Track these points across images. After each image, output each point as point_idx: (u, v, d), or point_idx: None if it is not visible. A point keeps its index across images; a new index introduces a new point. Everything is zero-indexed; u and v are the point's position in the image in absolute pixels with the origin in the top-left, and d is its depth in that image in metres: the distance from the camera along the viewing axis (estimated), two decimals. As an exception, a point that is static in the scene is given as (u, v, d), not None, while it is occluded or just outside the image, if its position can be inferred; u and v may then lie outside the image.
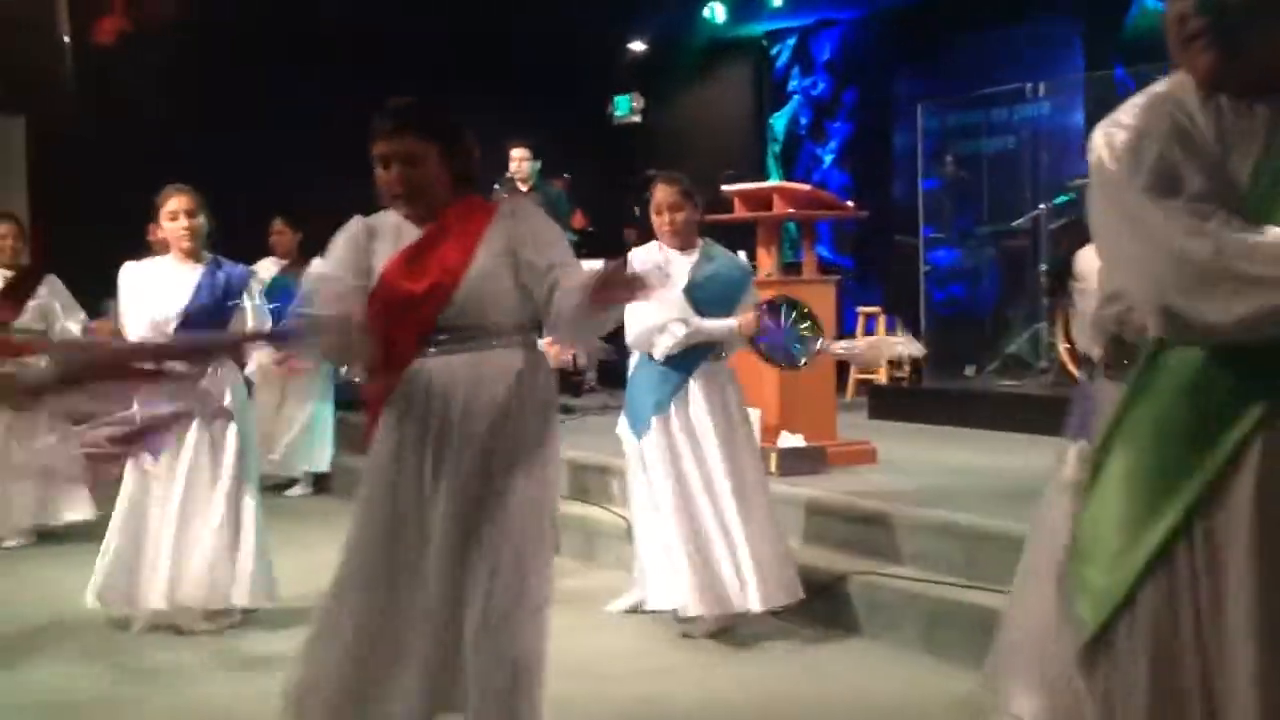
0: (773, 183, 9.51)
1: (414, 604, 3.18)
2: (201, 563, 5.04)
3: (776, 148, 13.91)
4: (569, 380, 9.40)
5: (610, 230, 10.91)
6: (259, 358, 6.55)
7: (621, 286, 3.05)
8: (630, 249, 5.41)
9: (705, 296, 5.00)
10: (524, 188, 9.03)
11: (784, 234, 7.59)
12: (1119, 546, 2.08)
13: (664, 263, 5.04)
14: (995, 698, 3.66)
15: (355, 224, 3.33)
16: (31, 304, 6.84)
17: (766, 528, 4.98)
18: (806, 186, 7.70)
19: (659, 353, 4.98)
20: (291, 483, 8.36)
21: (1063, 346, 4.31)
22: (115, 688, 4.57)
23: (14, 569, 6.44)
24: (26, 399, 2.89)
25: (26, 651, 4.97)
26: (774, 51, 13.96)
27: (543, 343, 3.61)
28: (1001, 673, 3.63)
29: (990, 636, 4.45)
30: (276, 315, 5.42)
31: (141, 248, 6.51)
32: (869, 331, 10.58)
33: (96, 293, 6.20)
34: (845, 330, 9.45)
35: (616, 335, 4.74)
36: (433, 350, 3.20)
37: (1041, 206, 9.37)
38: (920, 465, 6.62)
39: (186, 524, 5.05)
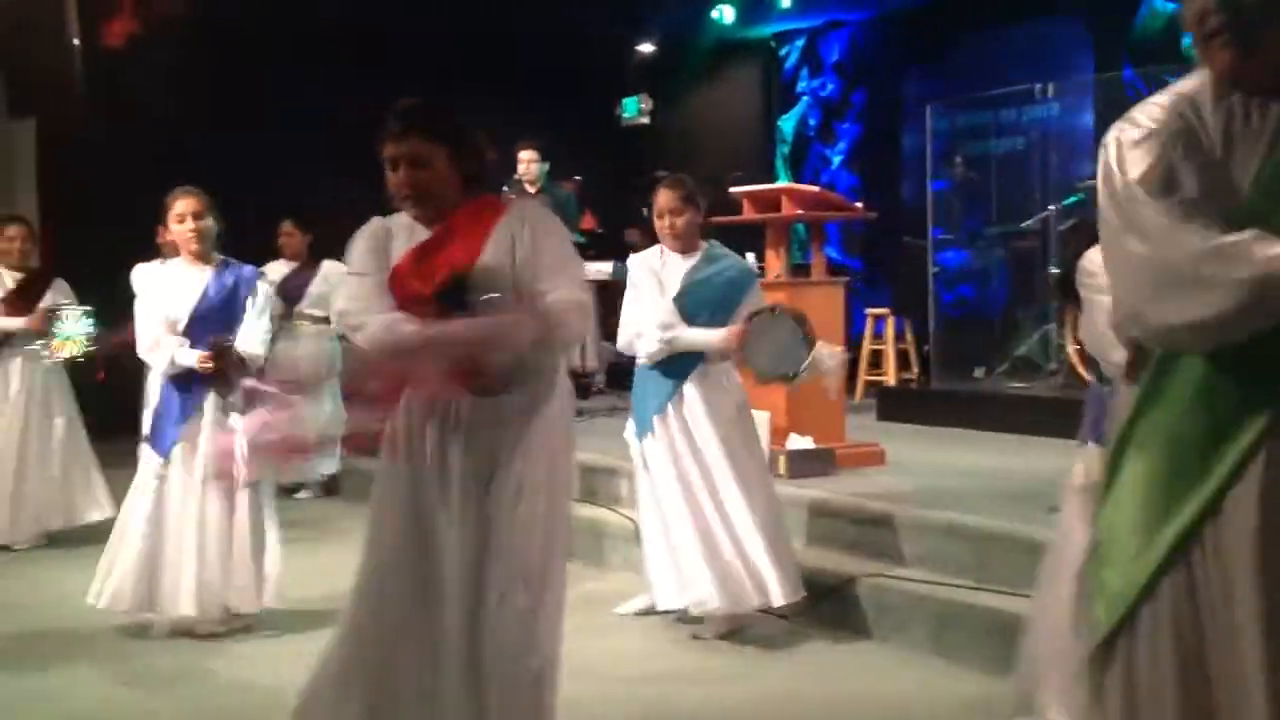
0: (781, 184, 9.49)
1: (429, 610, 3.18)
2: (222, 567, 5.04)
3: (785, 149, 13.90)
4: (577, 382, 9.40)
5: (617, 232, 10.91)
6: None
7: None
8: (636, 249, 5.41)
9: (696, 301, 5.01)
10: (532, 189, 9.03)
11: (792, 235, 7.58)
12: (1134, 550, 2.09)
13: (660, 267, 5.10)
14: (1024, 706, 3.64)
15: (373, 224, 3.34)
16: (39, 307, 6.87)
17: (770, 525, 4.98)
18: (815, 188, 7.70)
19: (640, 358, 5.04)
20: (299, 486, 8.36)
21: (1072, 348, 4.31)
22: (125, 692, 4.57)
23: (23, 571, 6.46)
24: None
25: (36, 656, 4.99)
26: (782, 53, 13.96)
27: None
28: (1032, 682, 3.61)
29: (1000, 639, 4.45)
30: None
31: (151, 250, 6.53)
32: (878, 334, 10.57)
33: (106, 295, 6.22)
34: (854, 332, 9.42)
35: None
36: None
37: (1051, 208, 9.34)
38: (929, 467, 6.61)
39: (205, 527, 5.05)
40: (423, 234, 3.26)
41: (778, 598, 4.89)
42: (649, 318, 5.00)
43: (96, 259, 7.17)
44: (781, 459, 6.15)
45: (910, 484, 6.09)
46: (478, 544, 3.15)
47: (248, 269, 5.33)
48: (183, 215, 5.15)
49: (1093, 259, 3.04)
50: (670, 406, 5.00)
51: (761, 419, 5.48)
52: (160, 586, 5.04)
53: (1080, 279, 3.26)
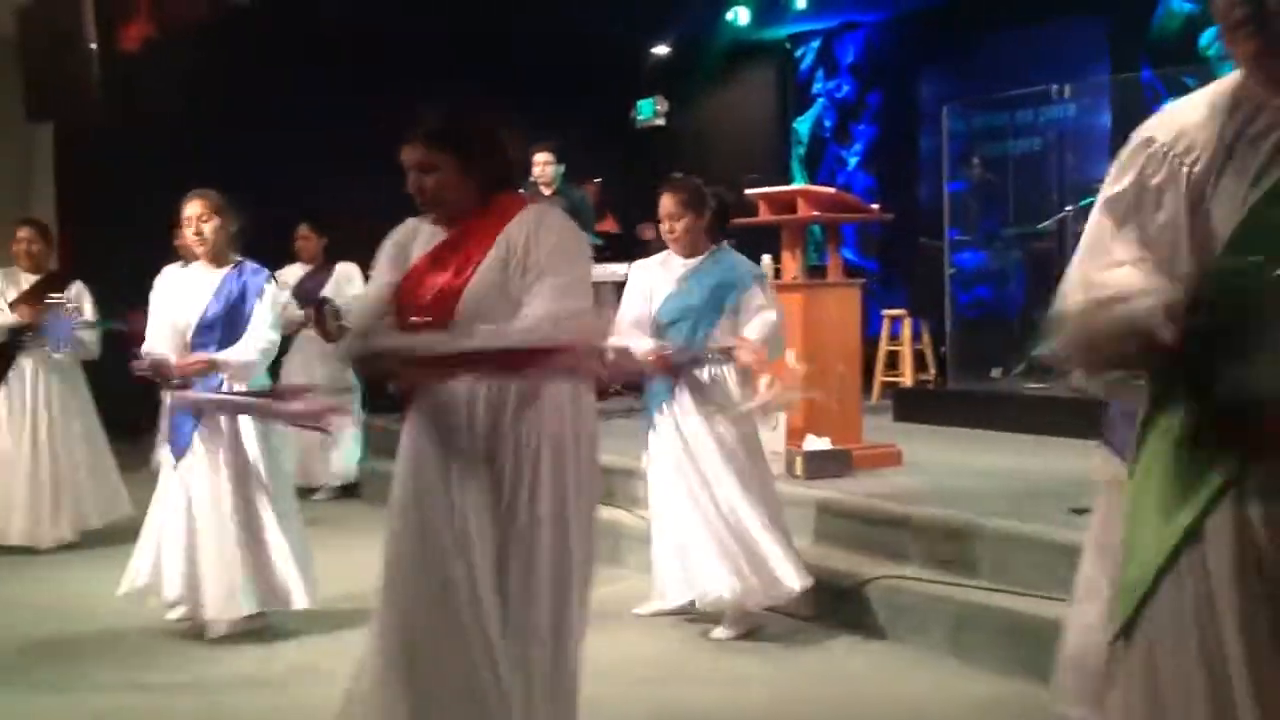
0: (797, 186, 9.48)
1: (449, 613, 3.18)
2: (211, 566, 5.03)
3: (801, 150, 13.90)
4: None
5: (632, 233, 10.91)
6: None
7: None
8: (651, 249, 5.42)
9: (672, 308, 5.06)
10: (547, 191, 9.04)
11: (809, 237, 7.58)
12: (1152, 543, 2.08)
13: (658, 271, 5.16)
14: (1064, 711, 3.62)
15: (406, 224, 3.39)
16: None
17: (772, 519, 4.99)
18: (831, 189, 7.69)
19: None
20: (316, 487, 8.37)
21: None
22: (146, 694, 4.58)
23: (43, 574, 6.48)
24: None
25: (56, 660, 5.01)
26: (798, 54, 13.96)
27: None
28: (1072, 691, 3.57)
29: (1017, 640, 4.45)
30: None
31: (169, 252, 6.56)
32: (894, 335, 10.56)
33: (125, 297, 6.24)
34: (871, 333, 9.40)
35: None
36: None
37: (1068, 208, 9.31)
38: (946, 468, 6.60)
39: (195, 526, 5.07)
40: (441, 237, 3.29)
41: (793, 581, 4.90)
42: (626, 324, 5.05)
43: (115, 261, 7.19)
44: (798, 460, 6.16)
45: (927, 485, 6.08)
46: (493, 554, 3.15)
47: (256, 271, 5.29)
48: (190, 218, 5.17)
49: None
50: (665, 405, 5.07)
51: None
52: (188, 584, 5.05)
53: None
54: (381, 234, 3.41)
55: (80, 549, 6.86)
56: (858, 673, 4.69)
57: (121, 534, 6.73)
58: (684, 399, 5.02)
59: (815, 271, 7.87)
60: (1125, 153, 2.16)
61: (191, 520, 5.06)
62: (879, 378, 10.38)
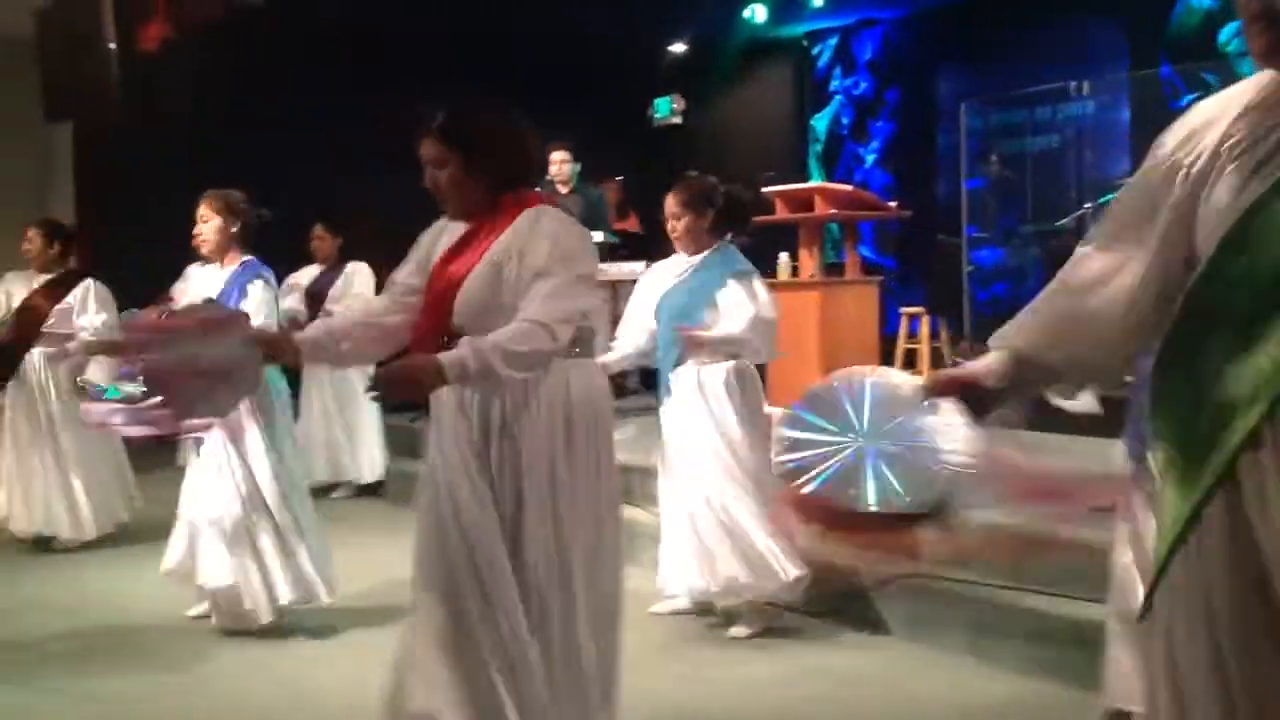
0: (814, 183, 9.48)
1: (479, 614, 3.19)
2: (207, 554, 5.07)
3: (818, 148, 13.86)
4: (611, 381, 9.39)
5: (654, 232, 10.90)
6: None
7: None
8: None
9: (661, 307, 5.12)
10: (564, 190, 9.05)
11: (826, 235, 7.57)
12: (1170, 518, 2.08)
13: (667, 271, 5.21)
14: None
15: (436, 223, 3.41)
16: (57, 307, 6.93)
17: (758, 513, 4.98)
18: (848, 187, 7.70)
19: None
20: (335, 485, 8.38)
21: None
22: (166, 694, 4.59)
23: (63, 570, 6.51)
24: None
25: (73, 658, 5.03)
26: (815, 51, 13.91)
27: None
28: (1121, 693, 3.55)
29: (1036, 640, 4.43)
30: None
31: (189, 251, 6.58)
32: (912, 333, 10.53)
33: (142, 296, 6.26)
34: (888, 331, 9.37)
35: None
36: None
37: (1087, 206, 9.29)
38: (964, 466, 6.56)
39: (191, 515, 5.12)
40: (460, 232, 3.32)
41: (790, 571, 4.89)
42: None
43: (133, 260, 7.21)
44: (816, 458, 6.13)
45: (945, 483, 6.05)
46: (515, 557, 3.20)
47: (255, 270, 5.27)
48: (196, 219, 5.21)
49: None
50: (666, 401, 5.13)
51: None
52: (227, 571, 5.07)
53: None
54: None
55: (95, 549, 6.87)
56: (874, 671, 4.67)
57: (138, 533, 6.78)
58: (680, 395, 5.04)
59: (833, 269, 7.87)
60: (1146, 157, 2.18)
61: (219, 512, 5.07)
62: (896, 375, 10.33)
